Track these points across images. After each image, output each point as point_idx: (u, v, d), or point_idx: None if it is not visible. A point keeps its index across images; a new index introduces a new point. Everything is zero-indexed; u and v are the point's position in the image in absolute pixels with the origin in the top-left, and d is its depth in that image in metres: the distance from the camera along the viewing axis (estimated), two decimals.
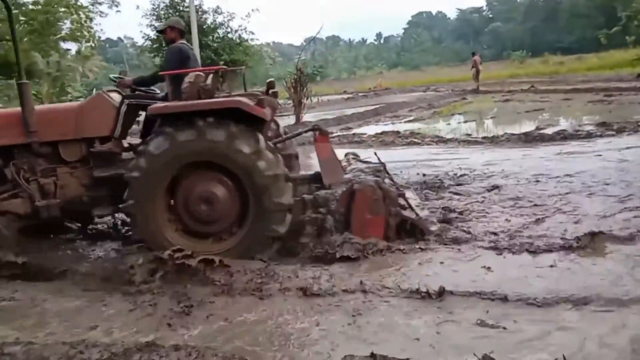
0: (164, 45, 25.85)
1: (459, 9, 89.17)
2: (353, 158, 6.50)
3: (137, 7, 25.02)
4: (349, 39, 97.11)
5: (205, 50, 21.29)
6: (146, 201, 4.37)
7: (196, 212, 4.47)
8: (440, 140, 10.79)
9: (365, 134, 12.45)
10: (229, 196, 4.47)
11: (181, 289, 3.83)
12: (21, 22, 19.34)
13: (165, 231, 4.44)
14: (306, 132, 5.61)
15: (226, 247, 4.45)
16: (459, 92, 25.61)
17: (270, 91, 5.19)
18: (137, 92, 5.15)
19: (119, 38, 70.70)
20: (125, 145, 5.06)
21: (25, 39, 19.42)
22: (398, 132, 12.16)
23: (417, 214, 4.78)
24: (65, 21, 20.49)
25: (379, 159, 5.66)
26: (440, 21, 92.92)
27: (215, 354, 2.78)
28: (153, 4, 25.18)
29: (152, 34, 25.95)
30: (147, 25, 25.97)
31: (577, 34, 57.99)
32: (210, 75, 4.87)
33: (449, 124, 14.81)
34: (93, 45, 25.81)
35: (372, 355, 2.64)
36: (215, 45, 25.62)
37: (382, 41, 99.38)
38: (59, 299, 3.94)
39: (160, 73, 5.09)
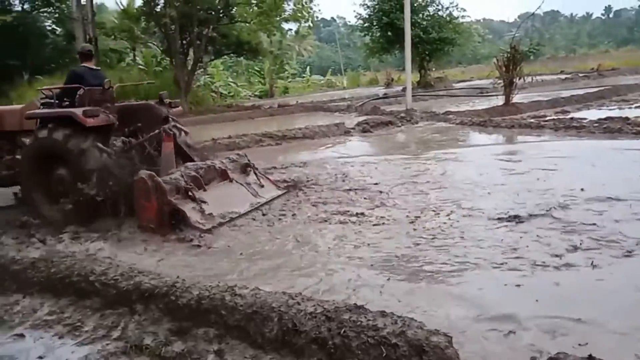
0: (374, 23, 26.67)
1: None
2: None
3: None
4: (571, 14, 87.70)
5: (414, 28, 21.23)
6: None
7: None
8: None
9: (585, 119, 11.23)
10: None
11: None
12: (252, 4, 21.49)
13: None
14: (156, 134, 6.17)
15: None
16: None
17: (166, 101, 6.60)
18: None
19: (332, 18, 74.33)
20: None
21: (255, 21, 21.55)
22: (627, 118, 10.70)
23: (200, 209, 5.43)
24: (289, 2, 22.17)
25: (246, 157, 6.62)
26: None
27: None
28: None
29: (365, 13, 26.72)
30: (360, 4, 26.85)
31: None
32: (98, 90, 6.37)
33: None
34: (311, 25, 27.56)
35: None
36: (424, 23, 25.40)
37: (611, 15, 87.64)
38: None
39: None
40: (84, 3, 22.53)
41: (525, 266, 3.93)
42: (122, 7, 24.91)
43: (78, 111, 5.72)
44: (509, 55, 14.70)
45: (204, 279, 3.81)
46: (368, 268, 4.11)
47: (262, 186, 6.40)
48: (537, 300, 3.37)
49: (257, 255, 4.58)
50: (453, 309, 3.35)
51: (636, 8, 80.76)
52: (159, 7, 21.87)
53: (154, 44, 25.98)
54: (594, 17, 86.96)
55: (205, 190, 5.76)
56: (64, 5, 26.10)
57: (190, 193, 5.52)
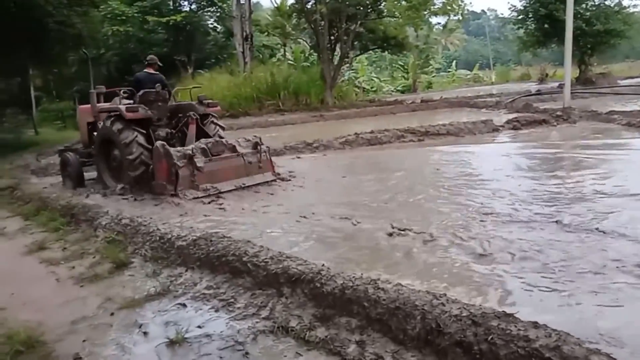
0: (530, 15, 25.02)
1: None
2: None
3: None
4: None
5: (576, 20, 19.55)
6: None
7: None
8: None
9: None
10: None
11: None
12: None
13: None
14: (190, 117, 8.06)
15: None
16: None
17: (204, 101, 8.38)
18: None
19: (483, 10, 71.29)
20: None
21: (404, 15, 21.43)
22: None
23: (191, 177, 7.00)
24: None
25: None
26: None
27: None
28: None
29: (520, 4, 25.25)
30: None
31: None
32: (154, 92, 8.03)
33: None
34: (460, 18, 26.74)
35: None
36: (588, 14, 23.26)
37: None
38: None
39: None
40: (243, 2, 24.17)
41: None
42: (275, 5, 26.30)
43: (123, 107, 7.47)
44: None
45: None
46: None
47: (260, 167, 7.66)
48: None
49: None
50: None
51: None
52: (310, 4, 22.71)
53: (303, 40, 27.08)
54: None
55: (210, 160, 7.19)
56: (225, 5, 28.24)
57: (193, 159, 6.98)
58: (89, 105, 8.75)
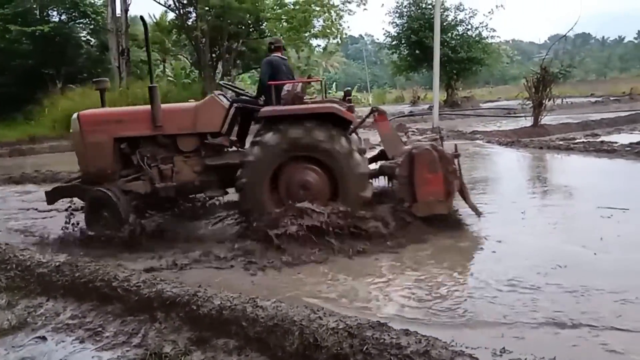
0: (403, 41, 26.69)
1: None
2: (410, 132, 7.12)
3: (382, 5, 26.12)
4: (603, 37, 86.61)
5: (443, 47, 21.21)
6: (255, 180, 5.37)
7: (295, 196, 5.36)
8: None
9: (616, 142, 10.98)
10: (321, 182, 5.45)
11: None
12: (282, 20, 21.81)
13: (266, 205, 5.39)
14: (368, 116, 6.10)
15: None
16: None
17: (347, 99, 6.43)
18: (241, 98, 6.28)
19: (360, 35, 74.83)
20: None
21: (284, 36, 21.85)
22: None
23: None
24: (319, 19, 22.44)
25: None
26: None
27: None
28: (397, 2, 25.94)
29: (393, 31, 26.78)
30: (389, 22, 26.94)
31: None
32: (300, 85, 5.89)
33: None
34: (339, 42, 27.80)
35: None
36: (453, 42, 25.33)
37: None
38: None
39: (269, 83, 5.82)
40: (119, 15, 23.13)
41: None
42: (154, 20, 25.50)
43: (338, 107, 5.48)
44: (538, 76, 14.52)
45: None
46: None
47: None
48: None
49: None
50: None
51: None
52: (191, 20, 22.34)
53: (184, 57, 26.49)
54: (626, 40, 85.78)
55: None
56: (99, 17, 26.81)
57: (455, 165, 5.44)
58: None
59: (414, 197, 5.32)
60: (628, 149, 10.09)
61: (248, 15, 22.29)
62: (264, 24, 22.93)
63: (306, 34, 22.47)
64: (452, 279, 4.23)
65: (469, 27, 26.47)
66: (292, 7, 22.16)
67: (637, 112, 18.06)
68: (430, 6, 24.50)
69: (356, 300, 3.89)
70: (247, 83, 32.98)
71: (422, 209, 5.31)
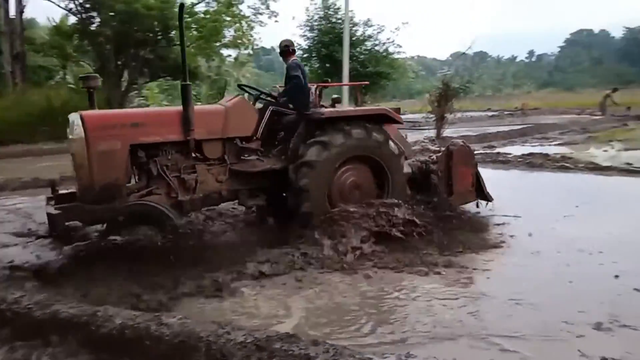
0: (314, 54, 27.08)
1: (626, 28, 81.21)
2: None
3: (293, 18, 26.26)
4: (498, 56, 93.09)
5: (352, 61, 21.78)
6: (320, 181, 5.36)
7: (348, 196, 5.53)
8: (595, 168, 9.93)
9: (510, 154, 11.84)
10: (371, 183, 5.70)
11: None
12: (192, 28, 21.34)
13: (325, 204, 5.40)
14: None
15: None
16: (620, 118, 23.24)
17: (335, 105, 6.60)
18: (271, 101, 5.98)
19: (272, 47, 74.82)
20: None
21: (194, 44, 21.40)
22: (547, 154, 11.38)
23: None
24: (230, 29, 22.23)
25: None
26: (602, 40, 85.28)
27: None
28: (308, 16, 26.29)
29: (304, 43, 27.08)
30: (300, 35, 27.24)
31: None
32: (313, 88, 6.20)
33: (605, 150, 13.50)
34: (250, 52, 27.68)
35: None
36: (362, 57, 26.06)
37: (534, 59, 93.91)
38: None
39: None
40: (13, 17, 21.59)
41: None
42: (54, 24, 24.04)
43: (388, 109, 5.95)
44: (441, 91, 15.33)
45: None
46: None
47: None
48: None
49: None
50: None
51: (556, 53, 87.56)
52: (94, 25, 21.28)
53: (86, 63, 25.14)
54: (518, 59, 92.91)
55: None
56: None
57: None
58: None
59: (451, 190, 6.00)
60: (520, 159, 10.91)
61: (156, 22, 21.61)
62: (172, 32, 22.31)
63: (217, 44, 22.15)
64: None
65: (377, 42, 27.39)
66: (202, 15, 21.78)
67: (528, 126, 19.61)
68: (340, 21, 25.08)
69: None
70: (155, 92, 31.95)
71: (459, 199, 6.05)
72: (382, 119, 5.79)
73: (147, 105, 28.93)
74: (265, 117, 5.65)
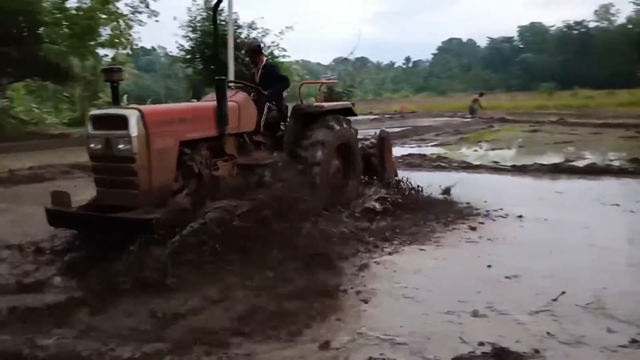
0: (197, 56, 26.42)
1: (490, 38, 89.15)
2: None
3: (175, 18, 25.38)
4: (377, 61, 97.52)
5: (237, 63, 21.57)
6: (328, 156, 6.05)
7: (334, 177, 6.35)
8: (468, 166, 10.76)
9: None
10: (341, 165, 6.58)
11: None
12: (63, 25, 19.84)
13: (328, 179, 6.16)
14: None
15: None
16: (487, 120, 25.45)
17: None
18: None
19: (153, 47, 72.09)
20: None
21: (65, 43, 19.90)
22: (425, 155, 12.13)
23: None
24: (106, 28, 20.96)
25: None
26: (470, 48, 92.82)
27: None
28: (190, 16, 25.65)
29: (187, 44, 26.38)
30: (182, 36, 26.45)
31: (609, 69, 56.14)
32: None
33: (475, 150, 14.71)
34: (129, 53, 26.37)
35: None
36: (247, 59, 25.93)
37: (410, 65, 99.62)
38: None
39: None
40: None
41: None
42: None
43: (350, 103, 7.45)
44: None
45: None
46: None
47: None
48: None
49: None
50: None
51: (430, 60, 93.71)
52: None
53: None
54: (396, 65, 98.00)
55: None
56: None
57: None
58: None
59: (384, 167, 7.42)
60: (400, 160, 11.51)
61: (21, 17, 19.81)
62: (41, 29, 20.58)
63: (92, 42, 20.79)
64: None
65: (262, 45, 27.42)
66: (74, 12, 20.32)
67: (406, 128, 20.75)
68: (223, 22, 24.76)
69: None
70: (22, 93, 29.30)
71: (389, 175, 7.34)
72: (347, 112, 6.87)
73: (12, 108, 26.49)
74: (265, 113, 6.09)
